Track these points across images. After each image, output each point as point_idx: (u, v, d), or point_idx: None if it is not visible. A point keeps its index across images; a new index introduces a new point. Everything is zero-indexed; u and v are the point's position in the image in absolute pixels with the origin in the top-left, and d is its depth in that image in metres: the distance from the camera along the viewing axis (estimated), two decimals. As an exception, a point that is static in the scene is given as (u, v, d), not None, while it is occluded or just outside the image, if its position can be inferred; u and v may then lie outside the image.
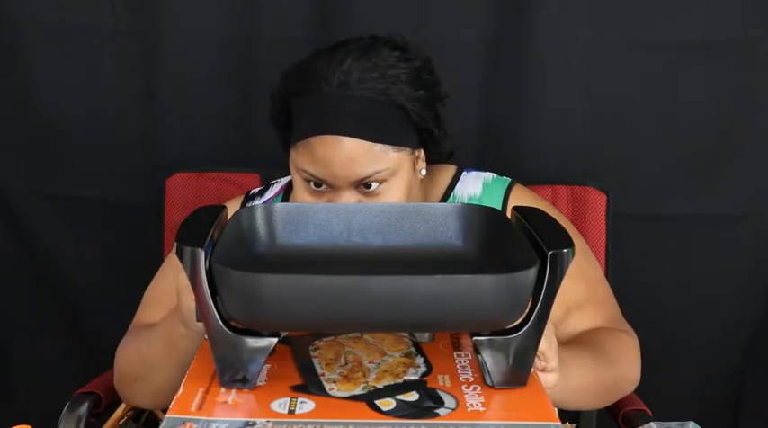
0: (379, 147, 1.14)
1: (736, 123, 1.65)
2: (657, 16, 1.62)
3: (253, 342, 0.84)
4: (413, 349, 0.96)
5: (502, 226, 0.97)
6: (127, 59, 1.70)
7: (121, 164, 1.74)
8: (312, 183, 1.16)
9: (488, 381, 0.87)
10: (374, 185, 1.15)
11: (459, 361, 0.93)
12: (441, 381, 0.88)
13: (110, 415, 1.30)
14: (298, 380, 0.88)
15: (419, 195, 1.23)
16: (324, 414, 0.81)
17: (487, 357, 0.85)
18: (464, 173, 1.33)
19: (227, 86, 1.70)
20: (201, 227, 0.87)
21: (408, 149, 1.18)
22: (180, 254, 0.82)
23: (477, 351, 0.87)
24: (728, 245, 1.70)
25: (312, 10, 1.65)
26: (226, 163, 1.62)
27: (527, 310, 0.85)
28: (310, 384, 0.87)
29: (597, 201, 1.49)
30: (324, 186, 1.16)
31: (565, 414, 1.17)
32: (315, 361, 0.92)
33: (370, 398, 0.84)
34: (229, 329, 0.84)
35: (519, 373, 0.86)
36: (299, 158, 1.16)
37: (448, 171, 1.32)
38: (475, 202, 1.26)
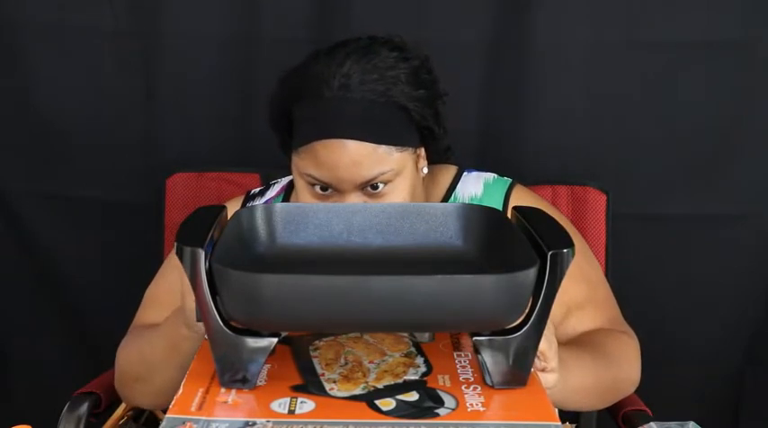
0: (382, 148, 1.14)
1: (736, 123, 1.65)
2: (657, 16, 1.62)
3: (253, 342, 0.84)
4: (413, 349, 0.96)
5: (502, 226, 0.97)
6: (127, 59, 1.70)
7: (121, 164, 1.74)
8: (317, 187, 1.16)
9: (488, 381, 0.87)
10: (380, 186, 1.15)
11: (459, 361, 0.93)
12: (441, 381, 0.88)
13: (110, 415, 1.30)
14: (298, 380, 0.88)
15: (422, 194, 1.24)
16: (324, 414, 0.81)
17: (487, 357, 0.85)
18: (465, 173, 1.32)
19: (227, 86, 1.70)
20: (201, 227, 0.87)
21: (411, 149, 1.18)
22: (180, 254, 0.82)
23: (477, 351, 0.87)
24: (728, 245, 1.70)
25: (312, 10, 1.65)
26: (226, 163, 1.62)
27: (527, 310, 0.85)
28: (310, 384, 0.87)
29: (597, 201, 1.49)
30: (329, 190, 1.16)
31: (565, 415, 1.18)
32: (315, 361, 0.92)
33: (370, 398, 0.84)
34: (229, 329, 0.84)
35: (519, 373, 0.86)
36: (303, 163, 1.16)
37: (449, 171, 1.32)
38: (476, 203, 1.26)
